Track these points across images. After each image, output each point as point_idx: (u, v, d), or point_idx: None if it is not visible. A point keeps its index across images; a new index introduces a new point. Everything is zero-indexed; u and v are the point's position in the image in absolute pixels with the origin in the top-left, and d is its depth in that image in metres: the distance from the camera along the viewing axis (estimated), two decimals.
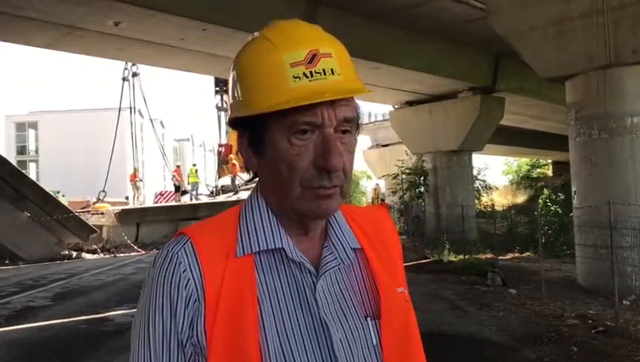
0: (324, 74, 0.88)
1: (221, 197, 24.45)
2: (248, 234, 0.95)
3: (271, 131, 0.91)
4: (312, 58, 0.88)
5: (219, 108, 27.31)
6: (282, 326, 0.91)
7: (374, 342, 0.97)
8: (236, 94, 0.95)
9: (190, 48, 12.76)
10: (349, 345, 0.94)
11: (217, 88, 26.89)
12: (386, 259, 1.05)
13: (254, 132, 0.94)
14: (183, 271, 0.91)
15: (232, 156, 25.82)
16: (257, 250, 0.94)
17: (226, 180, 26.69)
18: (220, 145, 27.48)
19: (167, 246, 0.95)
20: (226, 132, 27.31)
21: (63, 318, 8.29)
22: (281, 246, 0.94)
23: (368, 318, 0.98)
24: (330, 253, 0.98)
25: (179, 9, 10.60)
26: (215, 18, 11.01)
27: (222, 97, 26.96)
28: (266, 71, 0.89)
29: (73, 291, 10.90)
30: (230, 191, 25.23)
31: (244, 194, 22.69)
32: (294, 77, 0.87)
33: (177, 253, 0.92)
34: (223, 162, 26.62)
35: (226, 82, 26.56)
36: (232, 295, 0.90)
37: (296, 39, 0.90)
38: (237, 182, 25.55)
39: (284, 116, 0.88)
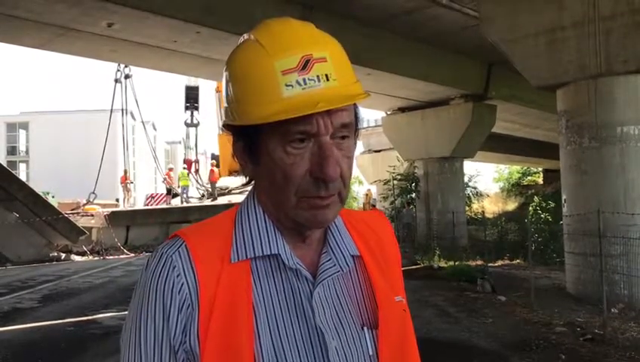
0: (319, 80, 0.84)
1: (207, 201, 24.39)
2: (244, 239, 0.93)
3: (265, 139, 0.88)
4: (306, 64, 0.84)
5: (188, 125, 27.11)
6: (277, 334, 0.89)
7: (371, 352, 0.95)
8: (229, 100, 0.92)
9: (184, 51, 12.74)
10: (345, 354, 0.92)
11: (187, 104, 26.74)
12: (384, 266, 1.03)
13: (249, 139, 0.91)
14: (177, 276, 0.88)
15: (212, 162, 25.75)
16: (253, 255, 0.92)
17: (220, 182, 26.55)
18: (185, 161, 27.24)
19: (160, 249, 0.92)
20: (195, 145, 27.24)
21: (51, 320, 8.23)
22: (277, 252, 0.92)
23: (365, 327, 0.96)
24: (329, 260, 0.96)
25: (172, 11, 10.58)
26: (209, 21, 11.00)
27: (192, 113, 26.86)
28: (257, 79, 0.86)
29: (61, 293, 10.82)
30: (210, 196, 25.05)
31: (222, 200, 22.65)
32: (287, 85, 0.84)
33: (171, 256, 0.90)
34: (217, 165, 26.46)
35: (196, 98, 26.67)
36: (226, 301, 0.88)
37: (288, 43, 0.86)
38: (219, 186, 25.50)
39: (278, 125, 0.85)
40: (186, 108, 26.87)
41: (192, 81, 26.52)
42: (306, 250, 0.97)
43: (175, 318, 0.88)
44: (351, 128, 0.91)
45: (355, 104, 0.92)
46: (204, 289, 0.88)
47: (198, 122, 27.35)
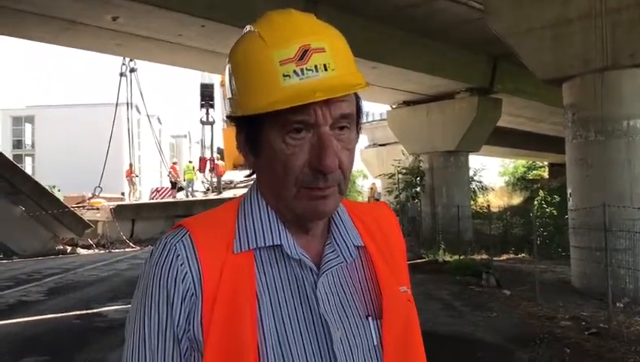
0: (316, 70, 0.84)
1: (212, 195, 24.44)
2: (247, 230, 0.93)
3: (265, 130, 0.89)
4: (303, 54, 0.84)
5: (203, 123, 26.84)
6: (281, 323, 0.89)
7: (375, 342, 0.95)
8: (232, 92, 0.93)
9: (189, 45, 12.73)
10: (349, 344, 0.92)
11: (203, 102, 26.43)
12: (389, 257, 1.03)
13: (250, 130, 0.92)
14: (181, 264, 0.89)
15: (217, 156, 25.59)
16: (255, 246, 0.92)
17: (225, 176, 26.53)
18: (200, 159, 27.01)
19: (164, 238, 0.93)
20: (211, 143, 27.07)
21: (56, 313, 8.27)
22: (279, 243, 0.92)
23: (369, 317, 0.96)
24: (333, 251, 0.96)
25: (177, 5, 10.58)
26: (214, 15, 10.99)
27: (207, 111, 26.51)
28: (256, 70, 0.86)
29: (67, 286, 10.87)
30: (215, 190, 25.01)
31: (227, 194, 22.70)
32: (284, 75, 0.84)
33: (175, 245, 0.90)
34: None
35: (211, 96, 26.35)
36: (230, 290, 0.88)
37: (287, 34, 0.86)
38: (226, 180, 25.47)
39: (277, 116, 0.85)
40: (202, 105, 26.62)
41: (207, 79, 26.28)
42: (310, 242, 0.97)
43: (179, 307, 0.88)
44: (351, 119, 0.90)
45: (357, 95, 0.92)
46: (208, 278, 0.88)
47: (214, 120, 26.93)
